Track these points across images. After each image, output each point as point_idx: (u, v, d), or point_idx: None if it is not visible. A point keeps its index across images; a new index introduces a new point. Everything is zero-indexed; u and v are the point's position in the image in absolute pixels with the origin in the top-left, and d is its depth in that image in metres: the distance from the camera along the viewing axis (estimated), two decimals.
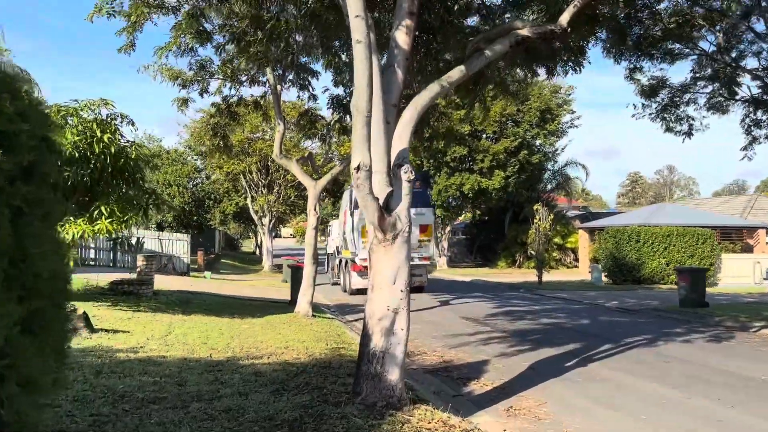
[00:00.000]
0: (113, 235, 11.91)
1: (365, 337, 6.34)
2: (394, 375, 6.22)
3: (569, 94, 37.24)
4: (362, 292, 24.00)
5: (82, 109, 11.84)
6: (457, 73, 6.81)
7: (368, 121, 5.81)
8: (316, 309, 16.09)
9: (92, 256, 25.13)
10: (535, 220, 27.72)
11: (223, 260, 42.79)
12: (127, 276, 16.50)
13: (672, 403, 7.64)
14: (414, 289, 24.80)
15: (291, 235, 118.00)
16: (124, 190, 12.90)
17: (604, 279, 28.37)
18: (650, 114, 16.32)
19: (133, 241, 24.99)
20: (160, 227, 36.95)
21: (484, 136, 36.04)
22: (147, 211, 13.51)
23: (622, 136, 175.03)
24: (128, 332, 10.33)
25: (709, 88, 15.44)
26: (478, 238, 44.75)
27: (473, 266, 42.50)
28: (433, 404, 6.66)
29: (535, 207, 28.26)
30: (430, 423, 5.94)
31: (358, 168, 5.77)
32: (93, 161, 11.69)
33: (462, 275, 34.98)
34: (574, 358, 10.58)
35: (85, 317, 9.70)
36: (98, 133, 11.61)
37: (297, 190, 35.57)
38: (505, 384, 8.74)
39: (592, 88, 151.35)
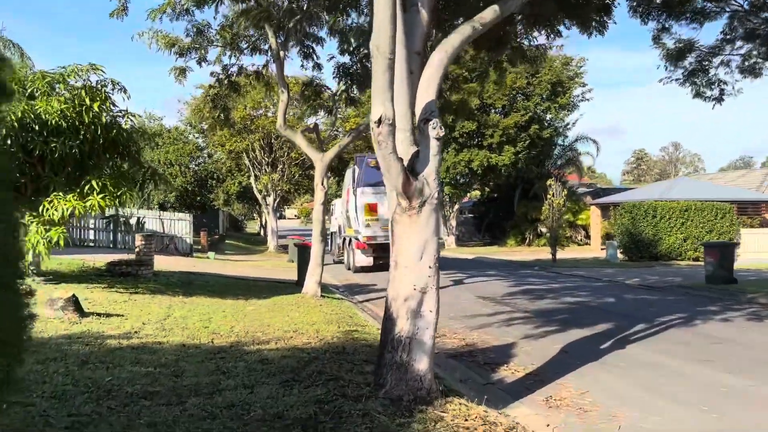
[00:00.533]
0: (106, 213, 11.02)
1: (388, 321, 5.47)
2: (422, 364, 5.37)
3: (581, 66, 36.05)
4: (366, 269, 23.38)
5: (69, 76, 10.91)
6: (490, 13, 5.85)
7: (391, 64, 4.89)
8: (325, 289, 15.26)
9: (91, 237, 24.31)
10: (549, 196, 26.78)
11: (227, 241, 42.02)
12: (125, 257, 15.67)
13: (735, 392, 6.78)
14: None
15: (295, 215, 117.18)
16: (118, 164, 12.03)
17: (619, 256, 27.46)
18: (678, 79, 15.27)
19: (133, 221, 24.23)
20: (162, 207, 36.14)
21: (494, 110, 34.93)
22: (144, 187, 12.64)
23: (627, 115, 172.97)
24: (122, 316, 9.50)
25: (744, 49, 14.39)
26: (487, 216, 43.79)
27: (482, 245, 41.58)
28: (466, 397, 5.81)
29: (548, 182, 27.33)
30: (467, 420, 5.09)
31: (379, 121, 4.86)
32: (83, 132, 10.80)
33: (471, 254, 34.13)
34: (608, 339, 9.71)
35: (75, 300, 8.87)
36: (87, 102, 10.71)
37: (302, 168, 34.62)
38: (539, 369, 7.90)
39: (596, 66, 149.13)
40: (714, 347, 9.14)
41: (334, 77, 16.54)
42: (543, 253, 33.67)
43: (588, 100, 37.46)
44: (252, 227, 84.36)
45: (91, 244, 24.12)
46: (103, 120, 10.87)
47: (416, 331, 5.35)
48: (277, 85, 18.65)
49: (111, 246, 23.84)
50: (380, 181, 22.94)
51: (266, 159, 33.04)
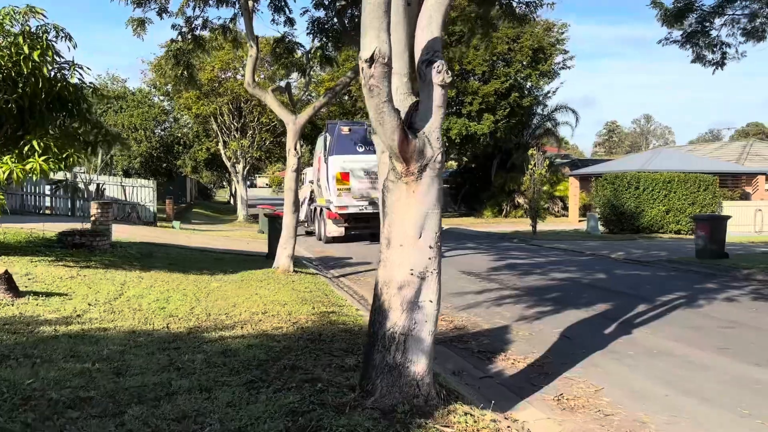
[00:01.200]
0: (51, 177, 9.76)
1: (379, 313, 4.44)
2: (420, 366, 4.36)
3: (563, 32, 34.98)
4: (338, 240, 22.38)
5: (3, 19, 9.51)
6: None
7: None
8: (297, 263, 14.20)
9: (47, 204, 22.82)
10: (530, 167, 25.89)
11: (195, 210, 40.62)
12: (79, 226, 14.38)
13: None
14: None
15: (267, 184, 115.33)
16: (65, 124, 10.71)
17: (600, 228, 26.80)
18: (677, 41, 14.33)
19: (93, 187, 22.79)
20: (126, 174, 34.58)
21: (473, 77, 33.78)
22: (96, 150, 11.34)
23: (599, 86, 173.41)
24: (66, 295, 8.33)
25: (748, 9, 13.45)
26: (463, 187, 42.90)
27: (457, 216, 40.74)
28: (469, 402, 4.83)
29: (530, 152, 26.42)
30: None
31: (371, 60, 3.75)
32: (21, 85, 9.46)
33: (447, 224, 33.19)
34: (611, 322, 8.84)
35: (7, 278, 7.67)
36: (26, 50, 9.34)
37: (273, 135, 33.18)
38: (541, 359, 6.97)
39: (571, 37, 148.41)
40: (727, 332, 8.31)
41: (308, 33, 15.27)
42: (521, 224, 32.97)
43: (569, 68, 36.59)
44: (221, 196, 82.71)
45: (47, 212, 22.66)
46: (45, 71, 9.53)
47: (413, 326, 4.33)
48: (245, 42, 17.33)
49: (69, 214, 22.38)
50: (353, 149, 21.81)
51: (235, 124, 31.50)
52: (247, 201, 33.35)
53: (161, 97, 34.09)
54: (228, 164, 33.59)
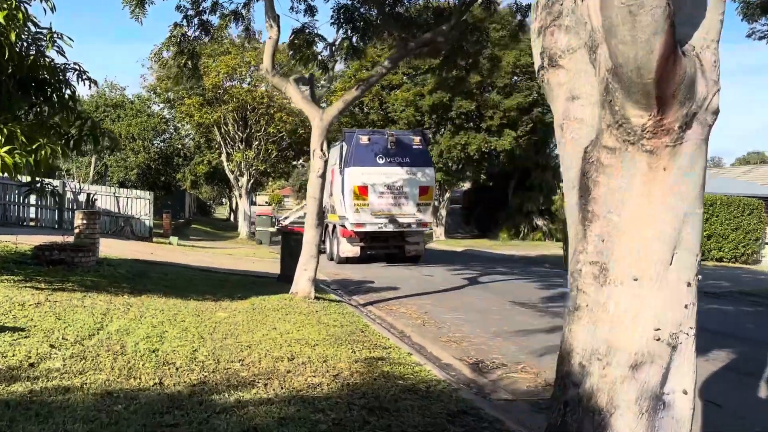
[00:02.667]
0: (14, 174, 7.59)
1: (575, 412, 2.23)
2: None
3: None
4: (351, 260, 20.18)
5: None
6: None
7: None
8: (316, 287, 12.01)
9: (32, 215, 20.63)
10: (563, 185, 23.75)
11: (193, 225, 38.42)
12: (60, 239, 12.18)
13: None
14: (409, 259, 20.87)
15: (266, 202, 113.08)
16: (40, 110, 8.59)
17: None
18: (763, 37, 12.32)
19: (82, 197, 20.60)
20: (122, 186, 32.39)
21: (494, 90, 31.77)
22: (78, 144, 9.15)
23: None
24: (22, 331, 6.11)
25: None
26: (477, 207, 40.69)
27: (470, 237, 38.49)
28: None
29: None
30: None
31: None
32: None
33: (461, 246, 31.06)
34: (753, 379, 6.65)
35: None
36: None
37: (279, 147, 31.06)
38: None
39: None
40: None
41: (332, 23, 13.23)
42: (543, 248, 30.81)
43: None
44: (221, 212, 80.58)
45: (32, 223, 20.46)
46: (12, 38, 7.40)
47: None
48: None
49: (55, 226, 20.18)
50: (372, 161, 19.66)
51: (240, 134, 29.39)
52: (251, 217, 31.14)
53: (161, 105, 32.06)
54: (231, 177, 31.41)
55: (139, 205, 21.55)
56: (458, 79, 14.01)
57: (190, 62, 12.80)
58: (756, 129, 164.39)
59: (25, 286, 8.56)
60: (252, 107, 27.70)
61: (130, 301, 8.64)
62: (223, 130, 29.52)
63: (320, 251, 11.60)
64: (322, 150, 10.15)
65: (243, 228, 30.60)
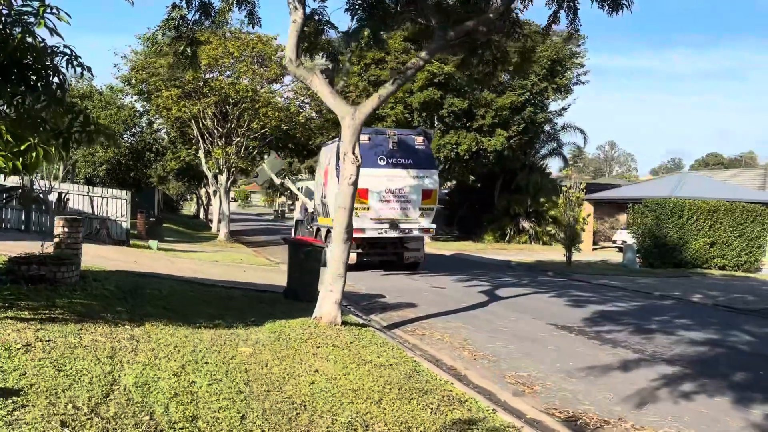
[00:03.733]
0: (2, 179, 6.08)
1: None
2: None
3: (580, 44, 32.13)
4: (349, 268, 18.67)
5: None
6: None
7: None
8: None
9: None
10: (565, 189, 22.76)
11: (165, 225, 36.45)
12: (38, 248, 10.53)
13: None
14: (407, 266, 19.60)
15: (233, 198, 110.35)
16: (24, 101, 7.04)
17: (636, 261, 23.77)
18: None
19: (53, 197, 18.74)
20: (89, 182, 30.32)
21: (486, 88, 30.59)
22: (68, 142, 7.59)
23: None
24: (16, 395, 4.60)
25: None
26: (460, 209, 39.55)
27: (453, 240, 37.29)
28: None
29: (565, 172, 23.38)
30: None
31: None
32: None
33: (448, 250, 29.91)
34: None
35: None
36: None
37: (261, 142, 29.30)
38: None
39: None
40: None
41: (346, 10, 11.83)
42: (533, 252, 29.86)
43: (584, 83, 33.71)
44: (187, 209, 78.23)
45: None
46: None
47: None
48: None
49: (22, 228, 18.28)
50: (373, 162, 18.24)
51: (219, 129, 27.63)
52: (230, 216, 29.34)
53: (135, 97, 30.00)
54: (209, 175, 29.57)
55: (115, 205, 19.78)
56: (486, 75, 12.73)
57: (189, 49, 11.28)
58: (711, 132, 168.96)
59: (6, 317, 6.98)
60: (235, 101, 25.96)
61: (135, 334, 7.15)
62: (201, 125, 27.73)
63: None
64: (354, 153, 8.76)
65: (222, 229, 28.81)
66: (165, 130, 33.77)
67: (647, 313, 12.52)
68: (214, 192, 37.00)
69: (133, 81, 27.12)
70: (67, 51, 7.23)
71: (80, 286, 9.94)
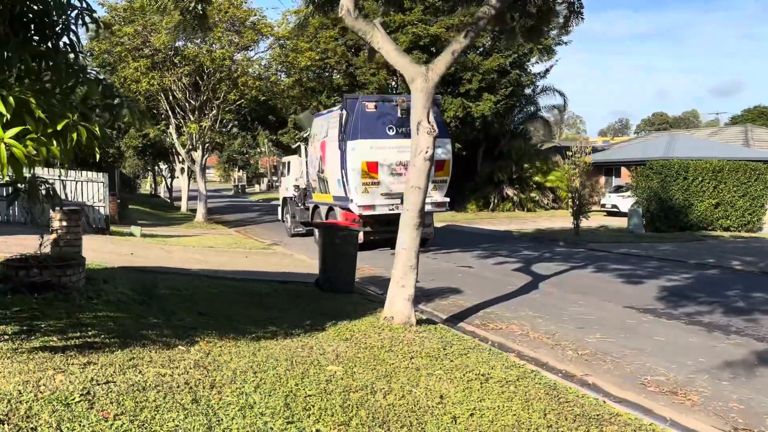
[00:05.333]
0: (23, 172, 4.52)
1: None
2: None
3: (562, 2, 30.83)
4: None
5: None
6: None
7: None
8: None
9: None
10: (570, 153, 21.71)
11: (131, 206, 34.21)
12: (34, 248, 8.84)
13: None
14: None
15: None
16: (41, 63, 5.42)
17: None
18: None
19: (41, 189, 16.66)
20: (48, 164, 27.83)
21: (472, 51, 29.22)
22: (90, 119, 5.95)
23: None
24: None
25: None
26: None
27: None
28: None
29: (568, 135, 22.21)
30: None
31: None
32: None
33: (439, 221, 28.48)
34: None
35: None
36: None
37: (237, 114, 27.28)
38: None
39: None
40: None
41: None
42: (524, 220, 28.94)
43: (566, 43, 32.58)
44: (143, 188, 75.21)
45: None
46: None
47: None
48: None
49: (24, 221, 16.20)
50: (382, 132, 16.74)
51: (192, 102, 25.58)
52: (206, 196, 27.40)
53: (97, 69, 27.51)
54: (181, 151, 27.47)
55: (91, 190, 17.85)
56: (529, 29, 11.36)
57: (199, 6, 9.65)
58: (651, 92, 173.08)
59: (34, 348, 5.41)
60: (213, 70, 23.89)
61: (197, 359, 5.69)
62: (171, 98, 25.61)
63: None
64: (429, 122, 7.34)
65: (200, 209, 26.88)
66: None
67: (714, 287, 11.56)
68: (182, 170, 34.96)
69: (95, 52, 24.75)
70: (79, 3, 5.58)
71: (93, 291, 8.36)
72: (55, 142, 4.62)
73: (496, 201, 34.76)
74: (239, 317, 7.98)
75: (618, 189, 31.38)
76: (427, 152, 7.30)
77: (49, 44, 5.49)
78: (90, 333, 6.15)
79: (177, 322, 7.34)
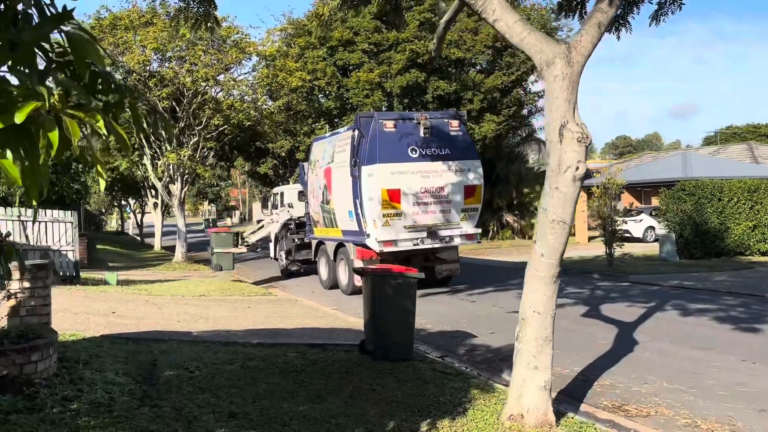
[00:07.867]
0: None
1: None
2: None
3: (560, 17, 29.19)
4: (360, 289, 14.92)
5: None
6: None
7: None
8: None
9: None
10: (599, 175, 19.65)
11: (99, 246, 31.22)
12: None
13: None
14: (441, 281, 16.05)
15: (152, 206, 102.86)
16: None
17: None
18: None
19: None
20: (5, 202, 24.85)
21: (473, 68, 27.24)
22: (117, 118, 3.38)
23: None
24: None
25: None
26: None
27: None
28: None
29: (602, 160, 20.14)
30: None
31: None
32: None
33: None
34: None
35: None
36: None
37: (219, 142, 24.58)
38: None
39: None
40: None
41: None
42: (528, 248, 26.71)
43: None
44: (109, 224, 71.72)
45: None
46: None
47: None
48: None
49: None
50: (404, 155, 14.36)
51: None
52: (186, 234, 24.56)
53: None
54: (158, 185, 24.68)
55: (57, 231, 15.05)
56: None
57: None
58: (612, 115, 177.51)
59: None
60: (192, 92, 21.32)
61: None
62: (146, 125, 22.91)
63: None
64: (578, 123, 4.99)
65: (179, 248, 24.04)
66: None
67: None
68: (155, 204, 32.22)
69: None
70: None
71: (70, 386, 5.79)
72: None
73: (495, 229, 32.64)
74: (288, 417, 5.45)
75: (628, 213, 29.47)
76: (577, 169, 4.91)
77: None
78: None
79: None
